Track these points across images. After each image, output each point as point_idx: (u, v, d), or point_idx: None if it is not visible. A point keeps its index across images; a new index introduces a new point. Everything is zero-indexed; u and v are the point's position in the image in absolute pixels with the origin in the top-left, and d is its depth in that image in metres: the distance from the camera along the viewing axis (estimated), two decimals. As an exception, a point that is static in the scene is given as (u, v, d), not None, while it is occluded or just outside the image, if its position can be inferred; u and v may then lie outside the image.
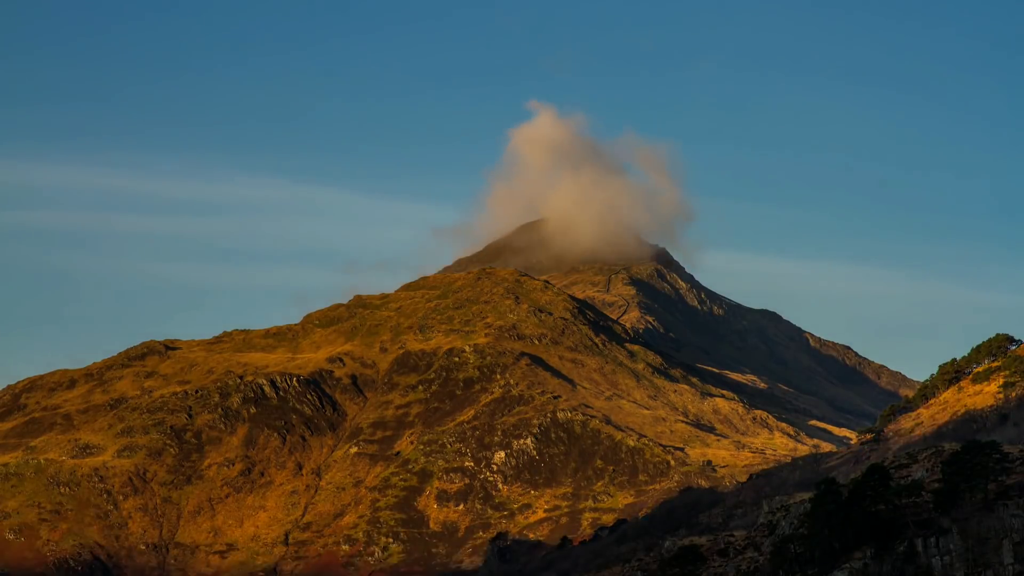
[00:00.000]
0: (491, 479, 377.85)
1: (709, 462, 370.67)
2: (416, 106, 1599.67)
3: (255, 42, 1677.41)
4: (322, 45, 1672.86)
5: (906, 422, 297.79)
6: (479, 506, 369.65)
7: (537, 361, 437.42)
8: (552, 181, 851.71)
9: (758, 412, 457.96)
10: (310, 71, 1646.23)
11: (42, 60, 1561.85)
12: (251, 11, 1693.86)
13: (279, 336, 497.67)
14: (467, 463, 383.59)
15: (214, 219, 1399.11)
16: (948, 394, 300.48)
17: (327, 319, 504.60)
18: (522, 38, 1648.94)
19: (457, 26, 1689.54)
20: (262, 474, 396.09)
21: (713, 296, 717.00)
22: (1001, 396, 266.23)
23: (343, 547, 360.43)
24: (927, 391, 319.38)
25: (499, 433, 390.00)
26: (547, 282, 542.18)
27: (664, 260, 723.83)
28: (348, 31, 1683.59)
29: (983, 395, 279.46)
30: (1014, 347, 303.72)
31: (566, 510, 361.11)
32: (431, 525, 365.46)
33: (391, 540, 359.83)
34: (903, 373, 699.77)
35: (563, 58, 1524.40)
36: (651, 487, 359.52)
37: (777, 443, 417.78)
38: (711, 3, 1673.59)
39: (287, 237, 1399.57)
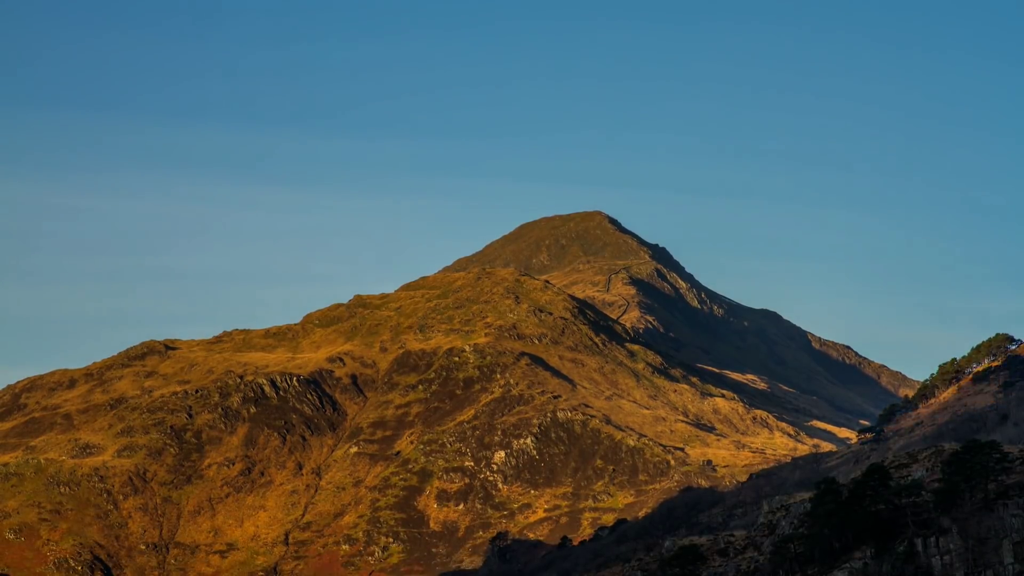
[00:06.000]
0: (491, 479, 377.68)
1: (709, 462, 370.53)
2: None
3: (267, 55, 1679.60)
4: (325, 43, 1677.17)
5: (906, 422, 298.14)
6: (479, 506, 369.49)
7: (537, 361, 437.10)
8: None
9: (758, 412, 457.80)
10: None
11: (59, 67, 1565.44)
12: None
13: (279, 336, 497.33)
14: (467, 463, 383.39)
15: (213, 218, 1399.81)
16: (948, 394, 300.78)
17: (327, 319, 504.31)
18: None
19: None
20: (262, 474, 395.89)
21: (713, 296, 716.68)
22: (1001, 396, 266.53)
23: (343, 547, 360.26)
24: (927, 391, 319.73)
25: (499, 433, 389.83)
26: (547, 282, 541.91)
27: (664, 260, 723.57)
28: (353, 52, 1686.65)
29: (983, 395, 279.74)
30: (1014, 347, 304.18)
31: (566, 510, 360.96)
32: (431, 525, 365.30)
33: (391, 540, 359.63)
34: (903, 373, 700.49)
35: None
36: (651, 487, 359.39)
37: (777, 443, 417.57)
38: (706, 9, 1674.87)
39: (287, 237, 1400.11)
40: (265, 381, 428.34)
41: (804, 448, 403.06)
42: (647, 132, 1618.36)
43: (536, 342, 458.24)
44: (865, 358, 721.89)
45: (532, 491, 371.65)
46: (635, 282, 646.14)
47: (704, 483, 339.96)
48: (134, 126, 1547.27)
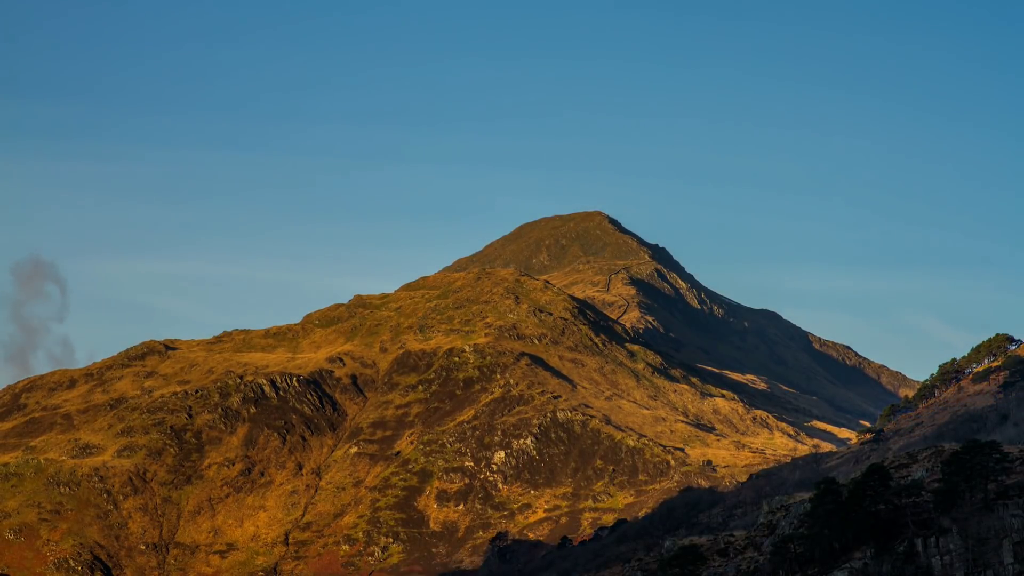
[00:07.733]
0: (491, 479, 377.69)
1: (709, 462, 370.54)
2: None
3: (266, 56, 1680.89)
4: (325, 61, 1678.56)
5: (906, 422, 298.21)
6: (479, 506, 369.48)
7: (537, 361, 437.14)
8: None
9: (758, 412, 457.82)
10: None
11: (44, 58, 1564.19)
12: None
13: (279, 336, 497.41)
14: (467, 463, 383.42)
15: (213, 217, 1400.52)
16: (948, 394, 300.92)
17: (327, 319, 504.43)
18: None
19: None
20: (262, 474, 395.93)
21: (713, 296, 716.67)
22: (1001, 396, 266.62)
23: (343, 547, 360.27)
24: (927, 391, 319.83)
25: (499, 433, 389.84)
26: (547, 282, 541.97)
27: (664, 260, 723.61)
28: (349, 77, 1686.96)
29: (983, 395, 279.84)
30: (1014, 347, 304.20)
31: (566, 510, 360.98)
32: (431, 525, 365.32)
33: (391, 540, 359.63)
34: (903, 373, 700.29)
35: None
36: (651, 487, 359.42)
37: (777, 443, 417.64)
38: (717, 9, 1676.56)
39: (288, 236, 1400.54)
40: (265, 381, 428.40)
41: (804, 448, 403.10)
42: (647, 132, 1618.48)
43: (536, 342, 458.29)
44: (865, 358, 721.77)
45: (532, 491, 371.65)
46: (635, 282, 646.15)
47: (704, 483, 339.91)
48: (127, 122, 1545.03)
